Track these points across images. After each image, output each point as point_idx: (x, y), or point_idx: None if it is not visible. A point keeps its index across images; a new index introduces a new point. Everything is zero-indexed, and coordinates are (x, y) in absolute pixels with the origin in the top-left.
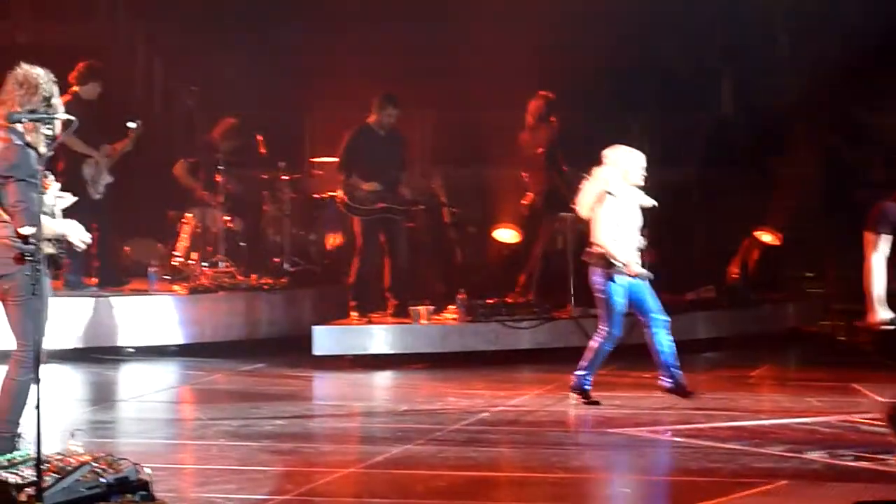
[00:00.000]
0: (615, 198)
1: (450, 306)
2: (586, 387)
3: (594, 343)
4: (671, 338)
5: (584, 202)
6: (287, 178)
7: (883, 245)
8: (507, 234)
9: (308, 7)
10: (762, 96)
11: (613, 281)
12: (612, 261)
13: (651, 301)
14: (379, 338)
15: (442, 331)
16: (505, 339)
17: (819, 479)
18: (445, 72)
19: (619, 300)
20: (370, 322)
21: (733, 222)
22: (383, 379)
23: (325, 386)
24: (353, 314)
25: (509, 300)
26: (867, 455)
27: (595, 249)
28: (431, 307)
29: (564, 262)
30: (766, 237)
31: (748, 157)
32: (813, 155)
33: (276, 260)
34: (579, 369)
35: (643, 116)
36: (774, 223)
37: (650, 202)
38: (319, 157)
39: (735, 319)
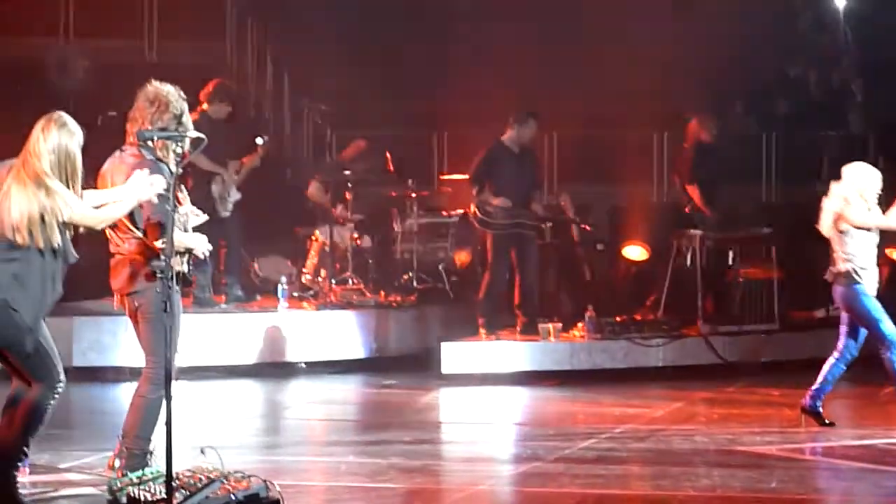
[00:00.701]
0: (855, 212)
1: (578, 324)
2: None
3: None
4: None
5: (825, 221)
6: (416, 195)
7: None
8: (635, 252)
9: (437, 27)
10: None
11: (865, 294)
12: (856, 277)
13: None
14: (507, 355)
15: (571, 348)
16: (633, 356)
17: None
18: (575, 91)
19: (877, 310)
20: (499, 339)
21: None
22: (511, 396)
23: (454, 403)
24: (482, 331)
25: (638, 317)
26: None
27: (839, 268)
28: (560, 324)
29: (693, 280)
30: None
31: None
32: None
33: (405, 277)
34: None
35: (776, 136)
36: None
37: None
38: (448, 174)
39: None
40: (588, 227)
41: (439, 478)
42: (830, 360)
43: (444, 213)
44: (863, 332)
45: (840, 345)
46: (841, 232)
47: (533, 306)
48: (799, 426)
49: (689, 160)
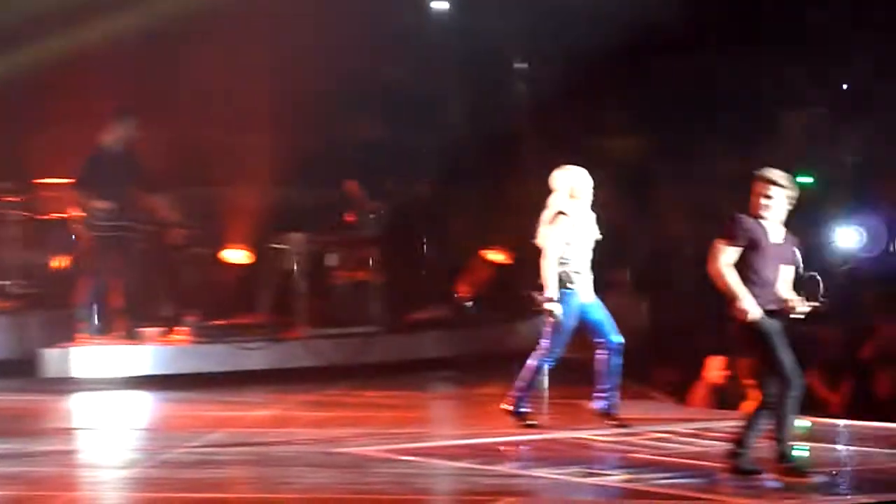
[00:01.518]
0: (566, 217)
1: (180, 328)
2: (522, 409)
3: (532, 362)
4: (620, 361)
5: (541, 231)
6: (13, 199)
7: (732, 254)
8: (237, 255)
9: (34, 23)
10: (495, 115)
11: (566, 303)
12: (568, 282)
13: (608, 323)
14: (108, 360)
15: (171, 352)
16: (235, 359)
17: (545, 495)
18: (177, 92)
19: (570, 321)
20: (100, 344)
21: (465, 241)
22: (113, 401)
23: (52, 409)
24: (82, 336)
25: (239, 321)
26: (594, 471)
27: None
28: (161, 328)
29: (295, 283)
30: (496, 256)
31: (481, 175)
32: (544, 173)
33: (3, 283)
34: (515, 391)
35: (378, 135)
36: (505, 242)
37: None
38: (48, 177)
39: (465, 338)
40: (189, 231)
41: (37, 482)
42: (533, 362)
43: (44, 216)
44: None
45: (542, 344)
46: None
47: (135, 310)
48: (403, 426)
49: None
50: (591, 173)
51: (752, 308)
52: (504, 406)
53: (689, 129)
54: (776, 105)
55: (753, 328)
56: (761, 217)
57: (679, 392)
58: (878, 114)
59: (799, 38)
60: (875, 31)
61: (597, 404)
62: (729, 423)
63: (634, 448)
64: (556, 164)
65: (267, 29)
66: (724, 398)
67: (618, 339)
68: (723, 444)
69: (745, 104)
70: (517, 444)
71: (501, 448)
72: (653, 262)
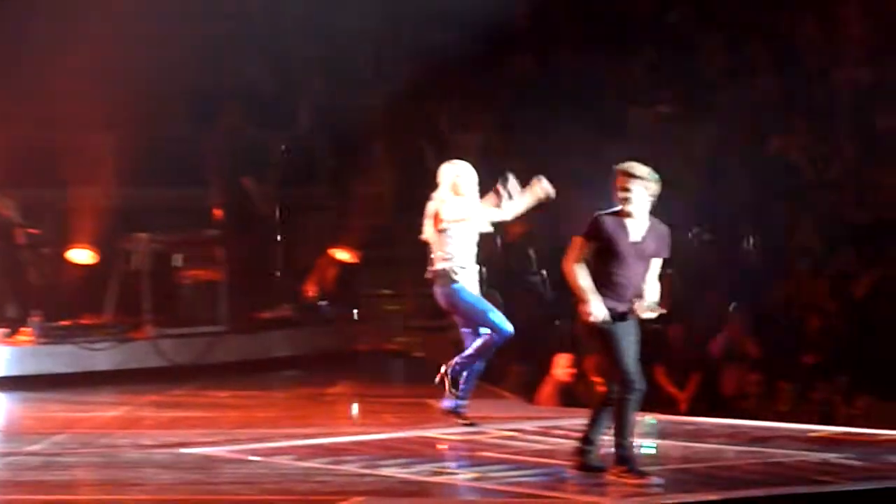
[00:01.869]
0: (448, 209)
1: (24, 328)
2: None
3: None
4: (483, 367)
5: (426, 226)
6: None
7: (586, 253)
8: (82, 255)
9: None
10: (344, 114)
11: (464, 289)
12: (454, 276)
13: (497, 314)
14: None
15: (17, 353)
16: (80, 360)
17: (393, 494)
18: (18, 92)
19: (480, 301)
20: None
21: (313, 241)
22: None
23: None
24: None
25: (84, 321)
26: (443, 470)
27: (437, 267)
28: (6, 329)
29: (141, 282)
30: (343, 255)
31: (329, 175)
32: (393, 173)
33: None
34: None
35: (230, 134)
36: (352, 241)
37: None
38: None
39: (312, 338)
40: (34, 231)
41: None
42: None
43: None
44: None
45: (468, 345)
46: (440, 231)
47: None
48: (248, 427)
49: None
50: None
51: (597, 309)
52: (443, 370)
53: (540, 127)
54: (622, 104)
55: (598, 329)
56: (624, 213)
57: (529, 390)
58: (725, 113)
59: (646, 37)
60: (720, 31)
61: (445, 403)
62: (576, 420)
63: (482, 446)
64: (406, 163)
65: (113, 26)
66: (572, 396)
67: (509, 328)
68: (570, 441)
69: (591, 103)
70: (364, 443)
71: (349, 447)
72: (504, 258)
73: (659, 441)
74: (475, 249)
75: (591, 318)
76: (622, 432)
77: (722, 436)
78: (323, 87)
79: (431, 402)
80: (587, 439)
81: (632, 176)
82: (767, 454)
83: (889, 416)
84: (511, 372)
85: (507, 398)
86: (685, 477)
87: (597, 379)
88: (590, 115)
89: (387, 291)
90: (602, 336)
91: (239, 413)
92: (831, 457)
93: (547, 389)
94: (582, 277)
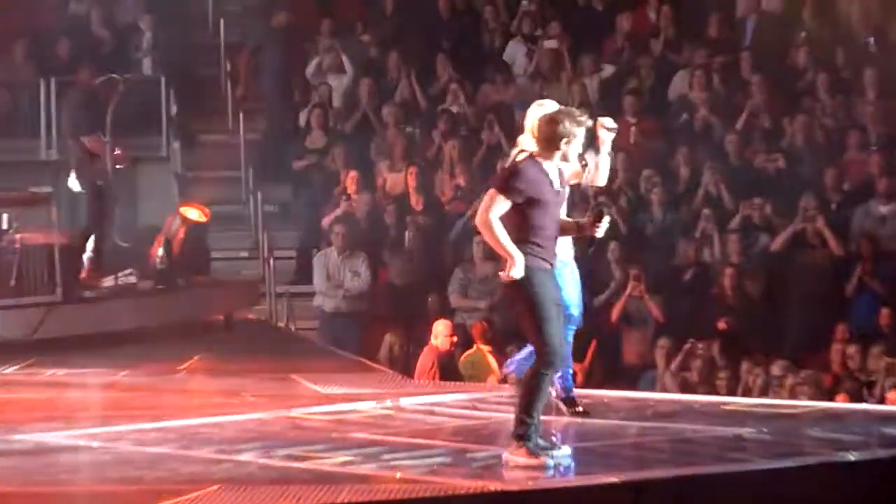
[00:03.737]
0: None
1: None
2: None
3: None
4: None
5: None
6: None
7: (505, 207)
8: None
9: None
10: (193, 57)
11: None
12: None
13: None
14: None
15: None
16: None
17: (252, 481)
18: None
19: None
20: None
21: (158, 197)
22: None
23: None
24: None
25: None
26: (306, 454)
27: None
28: None
29: None
30: (193, 213)
31: (174, 123)
32: (254, 122)
33: None
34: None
35: (55, 81)
36: (203, 197)
37: None
38: None
39: (160, 307)
40: None
41: None
42: None
43: None
44: None
45: None
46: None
47: None
48: (87, 410)
49: None
50: (300, 115)
51: (520, 267)
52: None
53: None
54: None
55: (524, 289)
56: (544, 158)
57: (405, 363)
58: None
59: None
60: None
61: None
62: (461, 396)
63: (354, 427)
64: (263, 109)
65: None
66: (455, 368)
67: None
68: (454, 420)
69: None
70: (220, 425)
71: (202, 430)
72: (373, 217)
73: (552, 417)
74: None
75: (514, 276)
76: (528, 408)
77: (623, 410)
78: (167, 26)
79: (296, 377)
80: (522, 419)
81: (565, 118)
82: (674, 430)
83: (808, 385)
84: (385, 342)
85: (380, 372)
86: (583, 457)
87: (485, 347)
88: None
89: (244, 254)
90: (529, 297)
91: (76, 394)
92: (745, 432)
93: (426, 361)
94: (500, 232)
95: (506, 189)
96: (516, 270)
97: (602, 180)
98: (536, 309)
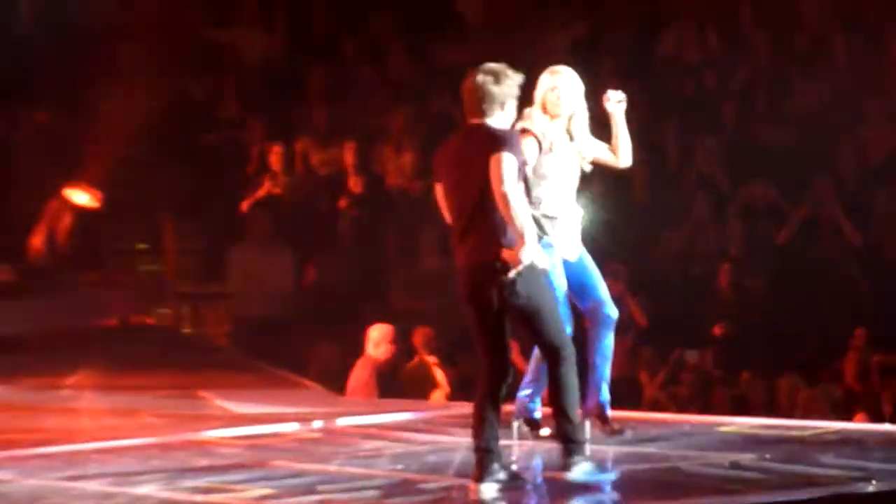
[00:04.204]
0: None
1: None
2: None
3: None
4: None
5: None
6: None
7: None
8: None
9: None
10: (72, 13)
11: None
12: None
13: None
14: None
15: None
16: None
17: None
18: None
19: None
20: None
21: (39, 178)
22: None
23: None
24: None
25: None
26: (216, 486)
27: None
28: None
29: None
30: (80, 197)
31: (55, 86)
32: (155, 88)
33: None
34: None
35: None
36: (92, 178)
37: None
38: None
39: (40, 309)
40: None
41: None
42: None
43: None
44: None
45: None
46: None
47: None
48: None
49: None
50: (205, 79)
51: (538, 254)
52: None
53: None
54: None
55: (533, 280)
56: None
57: (338, 377)
58: None
59: None
60: None
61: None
62: (403, 415)
63: (274, 453)
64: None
65: None
66: (395, 382)
67: None
68: (395, 444)
69: None
70: (114, 450)
71: (93, 457)
72: (301, 208)
73: (515, 441)
74: None
75: (525, 262)
76: (568, 411)
77: (598, 433)
78: None
79: (205, 394)
80: (482, 446)
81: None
82: (659, 456)
83: (820, 402)
84: (314, 354)
85: (309, 388)
86: (549, 488)
87: (430, 358)
88: None
89: (143, 246)
90: (536, 290)
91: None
92: (745, 458)
93: (360, 374)
94: (522, 207)
95: (520, 150)
96: (540, 258)
97: (625, 159)
98: (552, 302)
